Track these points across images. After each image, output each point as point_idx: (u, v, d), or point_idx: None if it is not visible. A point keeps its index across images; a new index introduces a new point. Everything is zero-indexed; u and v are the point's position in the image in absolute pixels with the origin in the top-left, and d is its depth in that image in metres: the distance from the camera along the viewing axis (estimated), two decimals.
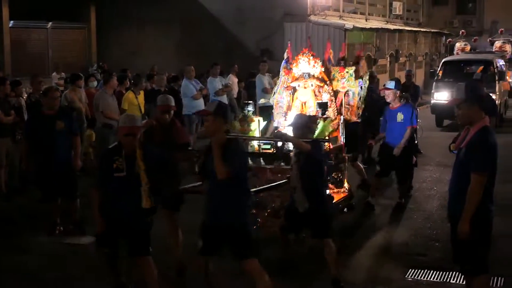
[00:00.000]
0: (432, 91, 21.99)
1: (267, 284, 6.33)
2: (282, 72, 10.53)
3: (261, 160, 9.35)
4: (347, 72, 10.14)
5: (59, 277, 8.10)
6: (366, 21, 32.28)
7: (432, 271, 8.08)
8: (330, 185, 9.64)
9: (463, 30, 35.25)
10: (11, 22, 24.66)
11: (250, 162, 8.55)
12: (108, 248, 6.82)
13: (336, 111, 10.04)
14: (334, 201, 9.27)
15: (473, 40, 33.86)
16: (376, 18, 34.64)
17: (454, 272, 7.89)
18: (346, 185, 10.13)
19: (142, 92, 14.29)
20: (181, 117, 16.08)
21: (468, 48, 30.78)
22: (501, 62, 24.25)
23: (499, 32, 33.28)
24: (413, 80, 17.99)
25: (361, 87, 10.71)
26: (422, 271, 8.13)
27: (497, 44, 30.74)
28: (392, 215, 10.91)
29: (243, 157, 6.53)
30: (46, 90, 10.00)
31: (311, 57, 10.04)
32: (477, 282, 6.22)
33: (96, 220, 6.79)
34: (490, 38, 32.76)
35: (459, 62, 24.90)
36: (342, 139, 10.06)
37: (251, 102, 10.12)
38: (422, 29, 39.01)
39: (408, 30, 35.70)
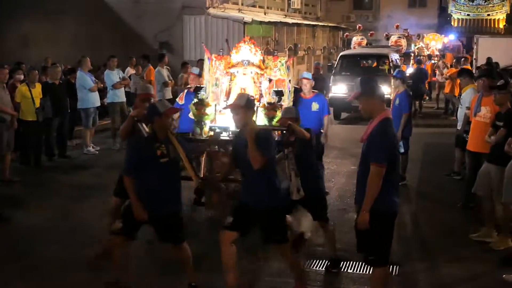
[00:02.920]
0: (330, 84, 22.28)
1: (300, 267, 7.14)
2: (207, 60, 10.39)
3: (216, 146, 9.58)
4: (279, 61, 10.19)
5: None
6: (265, 14, 32.47)
7: (329, 262, 8.14)
8: None
9: (359, 25, 36.02)
10: None
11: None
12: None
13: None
14: None
15: (369, 34, 34.66)
16: (275, 12, 34.92)
17: (352, 262, 8.04)
18: None
19: (38, 85, 13.86)
20: (77, 111, 15.73)
21: (364, 42, 31.48)
22: (395, 56, 24.87)
23: (394, 27, 34.16)
24: (321, 73, 18.27)
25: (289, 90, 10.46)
26: (321, 261, 8.20)
27: (393, 38, 31.54)
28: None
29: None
30: None
31: (252, 46, 10.15)
32: (376, 273, 6.33)
33: (135, 206, 6.80)
34: (386, 33, 33.57)
35: (356, 56, 25.40)
36: None
37: (203, 86, 10.10)
38: (320, 23, 39.61)
39: (306, 24, 36.14)
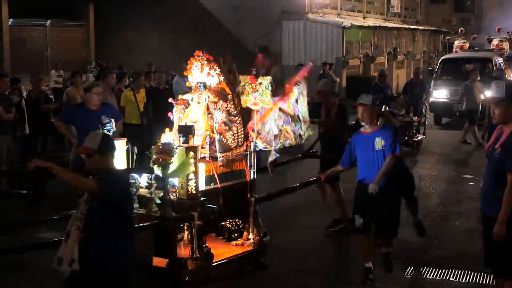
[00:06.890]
0: (431, 89, 21.95)
1: None
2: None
3: None
4: (260, 83, 7.59)
5: None
6: (364, 19, 32.33)
7: (431, 269, 8.08)
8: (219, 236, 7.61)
9: (461, 28, 35.24)
10: (11, 20, 24.63)
11: None
12: None
13: (241, 136, 7.51)
14: (219, 258, 7.10)
15: (471, 38, 33.85)
16: (374, 16, 34.70)
17: (454, 270, 7.94)
18: (251, 236, 7.60)
19: (142, 90, 14.23)
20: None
21: (466, 46, 30.76)
22: (499, 60, 24.25)
23: (496, 30, 33.28)
24: (420, 77, 18.01)
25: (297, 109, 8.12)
26: (422, 268, 8.12)
27: (495, 42, 30.70)
28: None
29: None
30: (89, 87, 9.68)
31: (206, 62, 7.50)
32: (509, 285, 6.10)
33: None
34: (487, 36, 32.71)
35: (458, 60, 24.84)
36: (251, 173, 7.63)
37: (110, 120, 7.73)
38: (420, 27, 39.11)
39: (406, 28, 35.78)
